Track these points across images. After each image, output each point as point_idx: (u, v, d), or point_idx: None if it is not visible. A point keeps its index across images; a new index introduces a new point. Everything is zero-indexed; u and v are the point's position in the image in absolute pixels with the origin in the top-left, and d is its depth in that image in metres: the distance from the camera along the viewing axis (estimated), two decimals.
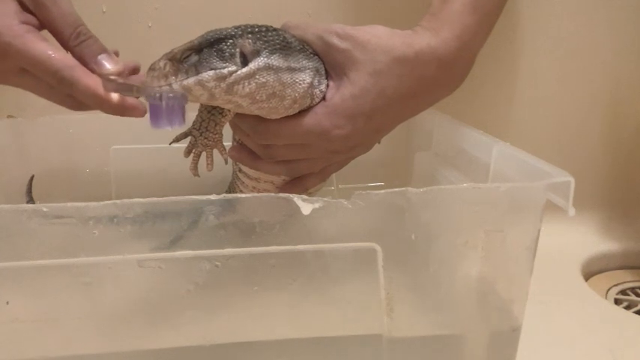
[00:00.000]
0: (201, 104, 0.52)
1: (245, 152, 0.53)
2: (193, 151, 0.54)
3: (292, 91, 0.46)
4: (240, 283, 0.43)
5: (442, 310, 0.47)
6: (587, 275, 0.77)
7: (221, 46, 0.43)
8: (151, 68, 0.43)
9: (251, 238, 0.41)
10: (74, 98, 0.47)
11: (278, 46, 0.45)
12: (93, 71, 0.47)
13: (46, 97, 0.48)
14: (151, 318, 0.44)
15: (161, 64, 0.42)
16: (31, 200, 0.66)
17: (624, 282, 0.76)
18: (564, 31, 0.81)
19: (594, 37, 0.81)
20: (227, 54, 0.43)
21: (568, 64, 0.82)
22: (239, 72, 0.43)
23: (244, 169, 0.56)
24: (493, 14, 0.53)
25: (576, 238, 0.80)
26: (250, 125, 0.50)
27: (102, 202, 0.38)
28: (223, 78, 0.42)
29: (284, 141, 0.50)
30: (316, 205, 0.40)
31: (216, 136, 0.52)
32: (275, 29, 0.47)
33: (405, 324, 0.45)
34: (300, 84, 0.46)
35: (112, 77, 0.46)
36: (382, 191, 0.41)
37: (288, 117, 0.49)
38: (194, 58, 0.42)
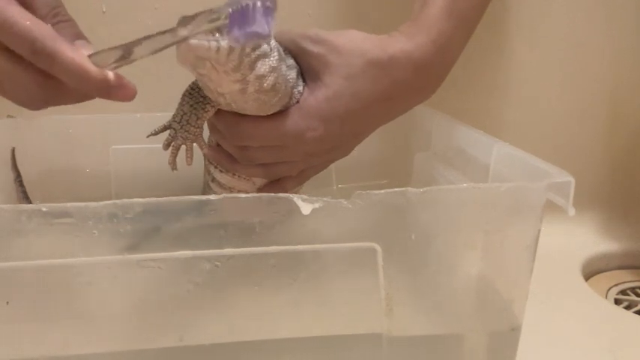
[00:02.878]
0: (184, 97, 0.52)
1: (222, 154, 0.53)
2: (172, 144, 0.53)
3: (284, 87, 0.47)
4: (240, 283, 0.43)
5: (442, 310, 0.47)
6: (587, 275, 0.77)
7: None
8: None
9: (251, 238, 0.41)
10: (44, 81, 0.40)
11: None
12: None
13: (6, 86, 0.41)
14: (151, 318, 0.44)
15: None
16: (18, 176, 0.64)
17: (624, 282, 0.76)
18: (564, 31, 0.81)
19: (594, 37, 0.81)
20: None
21: (568, 64, 0.82)
22: (266, 45, 0.45)
23: (218, 178, 0.56)
24: (471, 20, 0.53)
25: (576, 238, 0.80)
26: (226, 126, 0.50)
27: (102, 202, 0.38)
28: (258, 46, 0.44)
29: (259, 142, 0.50)
30: (316, 205, 0.40)
31: (197, 130, 0.52)
32: None
33: (405, 324, 0.45)
34: (290, 81, 0.48)
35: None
36: (382, 191, 0.41)
37: (263, 118, 0.49)
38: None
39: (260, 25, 0.39)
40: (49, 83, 0.41)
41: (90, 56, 0.40)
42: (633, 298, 0.73)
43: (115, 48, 0.40)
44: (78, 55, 0.39)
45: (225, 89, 0.46)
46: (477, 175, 0.56)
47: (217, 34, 0.41)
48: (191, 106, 0.51)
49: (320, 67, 0.49)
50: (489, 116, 0.82)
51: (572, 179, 0.43)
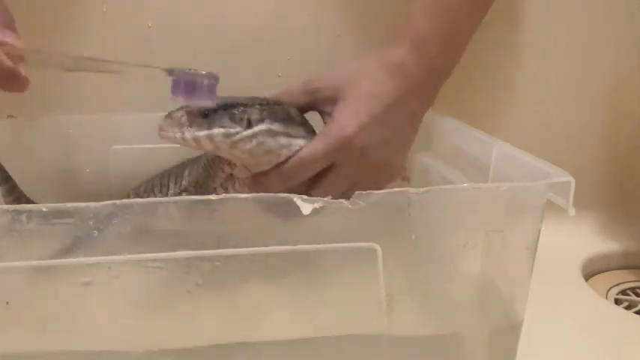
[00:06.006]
0: (199, 164, 0.58)
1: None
2: None
3: (287, 151, 0.51)
4: (240, 283, 0.43)
5: (442, 310, 0.47)
6: (588, 275, 0.77)
7: (233, 110, 0.50)
8: (168, 116, 0.49)
9: (251, 238, 0.41)
10: None
11: (280, 117, 0.52)
12: None
13: None
14: (151, 318, 0.44)
15: (178, 114, 0.49)
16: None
17: (624, 282, 0.77)
18: (564, 31, 0.81)
19: (594, 38, 0.81)
20: (237, 118, 0.50)
21: (568, 64, 0.82)
22: (243, 132, 0.50)
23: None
24: (456, 19, 0.54)
25: (576, 238, 0.80)
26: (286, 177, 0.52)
27: (102, 202, 0.38)
28: (229, 135, 0.49)
29: (316, 167, 0.51)
30: (316, 205, 0.40)
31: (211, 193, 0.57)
32: (281, 105, 0.53)
33: (406, 323, 0.45)
34: (294, 146, 0.52)
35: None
36: (382, 191, 0.41)
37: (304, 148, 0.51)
38: (211, 115, 0.49)
39: (204, 99, 0.48)
40: None
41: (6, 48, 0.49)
42: (633, 298, 0.73)
43: (55, 54, 0.51)
44: None
45: (225, 158, 0.52)
46: (477, 175, 0.56)
47: (186, 127, 0.48)
48: (204, 175, 0.57)
49: (335, 94, 0.52)
50: (489, 116, 0.82)
51: (572, 179, 0.43)
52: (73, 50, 0.73)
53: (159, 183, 0.64)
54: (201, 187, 0.57)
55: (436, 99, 0.56)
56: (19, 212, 0.38)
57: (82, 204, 0.38)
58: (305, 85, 0.54)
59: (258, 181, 0.52)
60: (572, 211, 0.42)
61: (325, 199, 0.40)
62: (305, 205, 0.40)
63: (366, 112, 0.51)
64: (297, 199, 0.40)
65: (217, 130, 0.49)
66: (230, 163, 0.55)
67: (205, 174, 0.57)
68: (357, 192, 0.41)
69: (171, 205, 0.40)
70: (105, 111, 0.57)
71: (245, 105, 0.51)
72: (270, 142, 0.50)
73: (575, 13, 0.80)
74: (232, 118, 0.50)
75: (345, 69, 0.53)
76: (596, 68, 0.82)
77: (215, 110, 0.49)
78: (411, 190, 0.41)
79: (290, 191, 0.53)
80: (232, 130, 0.49)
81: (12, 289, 0.41)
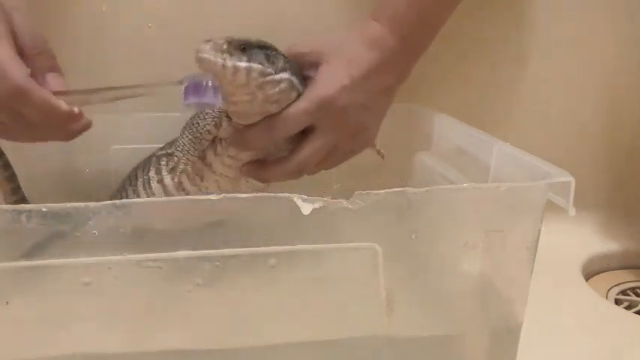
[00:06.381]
0: (184, 129, 0.59)
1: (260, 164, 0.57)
2: (176, 168, 0.59)
3: (287, 101, 0.54)
4: (240, 283, 0.43)
5: (442, 310, 0.47)
6: (588, 275, 0.77)
7: (269, 52, 0.52)
8: (209, 40, 0.49)
9: (251, 238, 0.41)
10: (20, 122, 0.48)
11: (296, 71, 0.54)
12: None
13: None
14: (150, 318, 0.44)
15: (220, 41, 0.49)
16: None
17: (625, 282, 0.77)
18: (564, 31, 0.81)
19: (594, 38, 0.81)
20: (272, 60, 0.52)
21: (568, 64, 0.82)
22: (274, 75, 0.52)
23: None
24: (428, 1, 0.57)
25: (576, 238, 0.80)
26: (262, 133, 0.54)
27: (102, 202, 0.38)
28: (264, 74, 0.51)
29: (297, 126, 0.54)
30: (316, 205, 0.40)
31: (196, 157, 0.59)
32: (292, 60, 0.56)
33: (405, 324, 0.45)
34: (294, 98, 0.54)
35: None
36: (382, 191, 0.41)
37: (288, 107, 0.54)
38: (248, 50, 0.50)
39: (210, 98, 0.49)
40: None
41: (56, 93, 0.49)
42: (634, 298, 0.73)
43: (82, 91, 0.50)
44: (46, 92, 0.48)
45: (237, 99, 0.52)
46: (477, 175, 0.56)
47: (228, 55, 0.48)
48: (191, 138, 0.58)
49: (318, 59, 0.55)
50: (490, 116, 0.81)
51: (572, 179, 0.43)
52: (72, 50, 0.73)
53: (127, 179, 0.65)
54: (188, 151, 0.58)
55: (436, 99, 0.56)
56: (19, 212, 0.38)
57: (82, 204, 0.38)
58: (290, 50, 0.56)
59: (242, 134, 0.54)
60: (572, 211, 0.42)
61: (325, 198, 0.40)
62: (305, 205, 0.40)
63: (347, 76, 0.54)
64: (297, 199, 0.40)
65: (256, 66, 0.50)
66: (217, 124, 0.56)
67: (192, 137, 0.58)
68: (357, 192, 0.41)
69: (170, 204, 0.40)
70: (105, 111, 0.56)
71: (274, 50, 0.53)
72: (287, 93, 0.53)
73: (576, 13, 0.80)
74: (267, 59, 0.51)
75: (328, 38, 0.57)
76: (596, 68, 0.82)
77: (251, 47, 0.51)
78: (410, 190, 0.41)
79: (271, 155, 0.56)
80: (268, 70, 0.51)
81: (12, 289, 0.41)
